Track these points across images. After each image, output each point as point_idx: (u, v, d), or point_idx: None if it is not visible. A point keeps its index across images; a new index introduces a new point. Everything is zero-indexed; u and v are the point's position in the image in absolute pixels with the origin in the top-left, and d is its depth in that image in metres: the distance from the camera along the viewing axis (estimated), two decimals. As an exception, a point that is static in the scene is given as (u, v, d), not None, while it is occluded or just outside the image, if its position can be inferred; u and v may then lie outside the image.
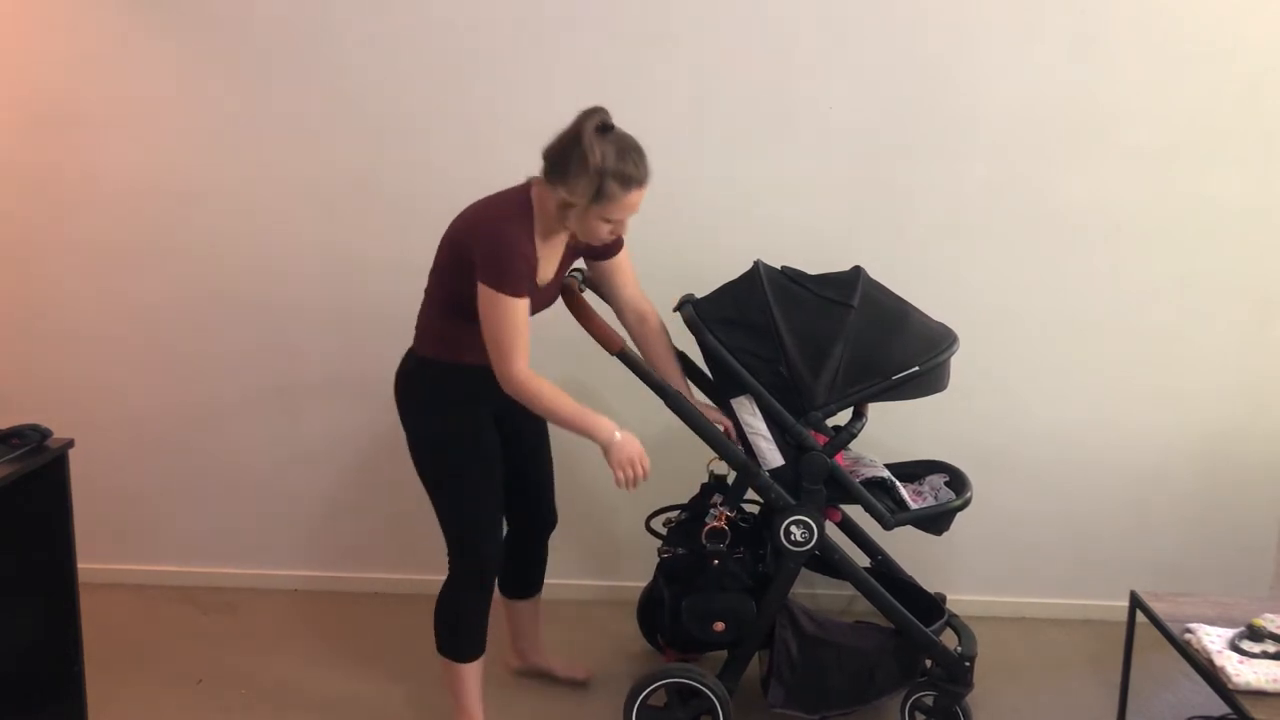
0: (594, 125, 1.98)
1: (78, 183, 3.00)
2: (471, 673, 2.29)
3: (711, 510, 2.36)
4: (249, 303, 3.04)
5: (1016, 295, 2.94)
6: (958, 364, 2.25)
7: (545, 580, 2.59)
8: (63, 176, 2.99)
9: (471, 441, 2.17)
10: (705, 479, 2.52)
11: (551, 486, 2.44)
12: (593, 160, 1.94)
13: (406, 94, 2.90)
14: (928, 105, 2.85)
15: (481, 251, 1.99)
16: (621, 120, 2.86)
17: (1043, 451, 3.03)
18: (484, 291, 1.99)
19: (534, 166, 2.86)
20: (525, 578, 2.48)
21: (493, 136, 2.90)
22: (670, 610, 2.37)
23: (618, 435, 2.08)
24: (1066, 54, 2.81)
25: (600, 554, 3.16)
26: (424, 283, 2.26)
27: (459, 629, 2.26)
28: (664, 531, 2.49)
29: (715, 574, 2.28)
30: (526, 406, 2.06)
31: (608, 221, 2.03)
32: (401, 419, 2.23)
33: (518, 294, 1.98)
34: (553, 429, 2.35)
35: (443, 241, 2.15)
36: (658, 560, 2.46)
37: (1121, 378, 2.98)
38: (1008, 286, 2.94)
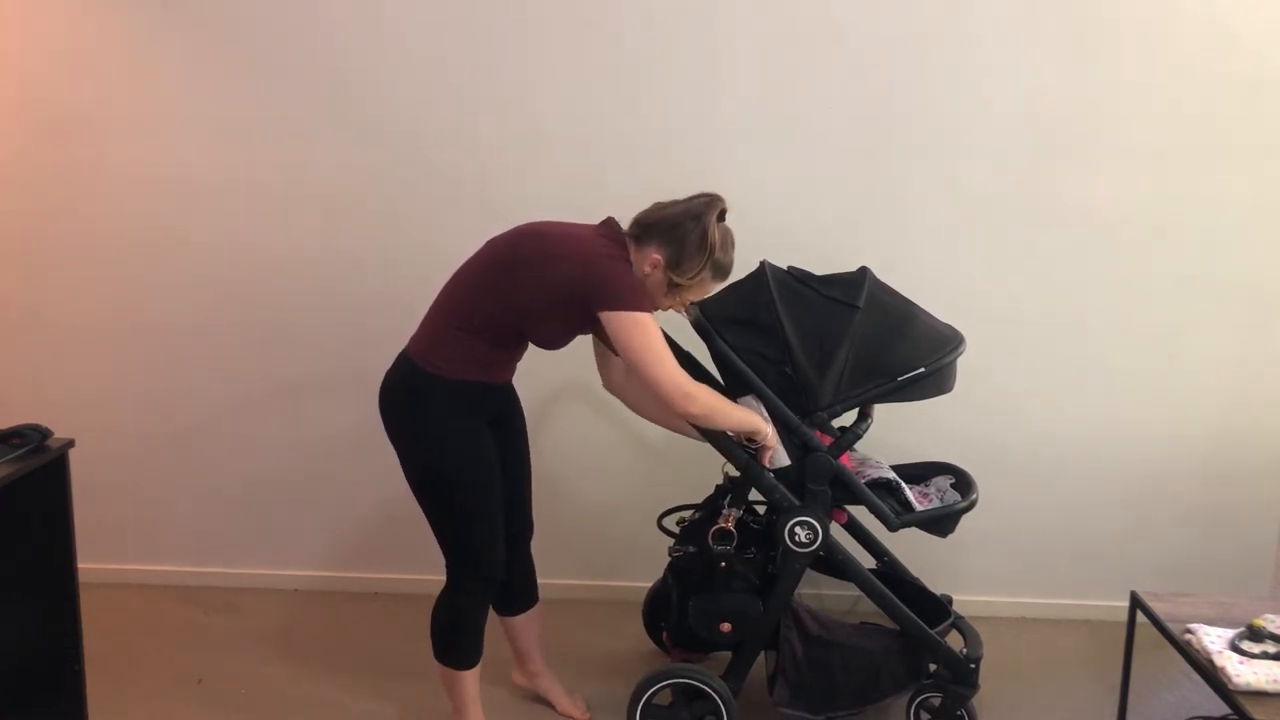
0: (717, 212, 2.10)
1: (77, 182, 2.99)
2: (470, 679, 2.28)
3: (722, 511, 2.36)
4: (249, 303, 3.04)
5: (1017, 295, 2.95)
6: (958, 365, 2.25)
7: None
8: (62, 176, 2.98)
9: (477, 454, 2.16)
10: (718, 479, 2.51)
11: (530, 494, 2.42)
12: (709, 244, 2.07)
13: (407, 93, 2.90)
14: (930, 106, 2.85)
15: (604, 283, 2.02)
16: (622, 121, 2.89)
17: (1043, 451, 3.04)
18: (621, 318, 2.01)
19: (532, 166, 2.90)
20: (516, 589, 2.45)
21: (493, 136, 2.90)
22: (677, 609, 2.38)
23: (770, 430, 2.19)
24: (1068, 55, 2.82)
25: (603, 555, 3.16)
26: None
27: (458, 637, 2.25)
28: (675, 530, 2.48)
29: (723, 575, 2.28)
30: (700, 423, 2.14)
31: (683, 299, 2.17)
32: (395, 432, 2.18)
33: (650, 309, 2.05)
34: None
35: (510, 268, 2.09)
36: (668, 559, 2.45)
37: (1122, 378, 2.99)
38: (1008, 287, 2.95)
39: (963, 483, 2.39)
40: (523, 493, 2.39)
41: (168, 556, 3.20)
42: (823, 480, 2.21)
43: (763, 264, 2.28)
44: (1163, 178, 2.87)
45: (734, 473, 2.36)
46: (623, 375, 2.33)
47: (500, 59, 2.87)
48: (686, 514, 2.54)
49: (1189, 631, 2.13)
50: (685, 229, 2.08)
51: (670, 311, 2.25)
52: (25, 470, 2.07)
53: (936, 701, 2.35)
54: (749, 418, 2.17)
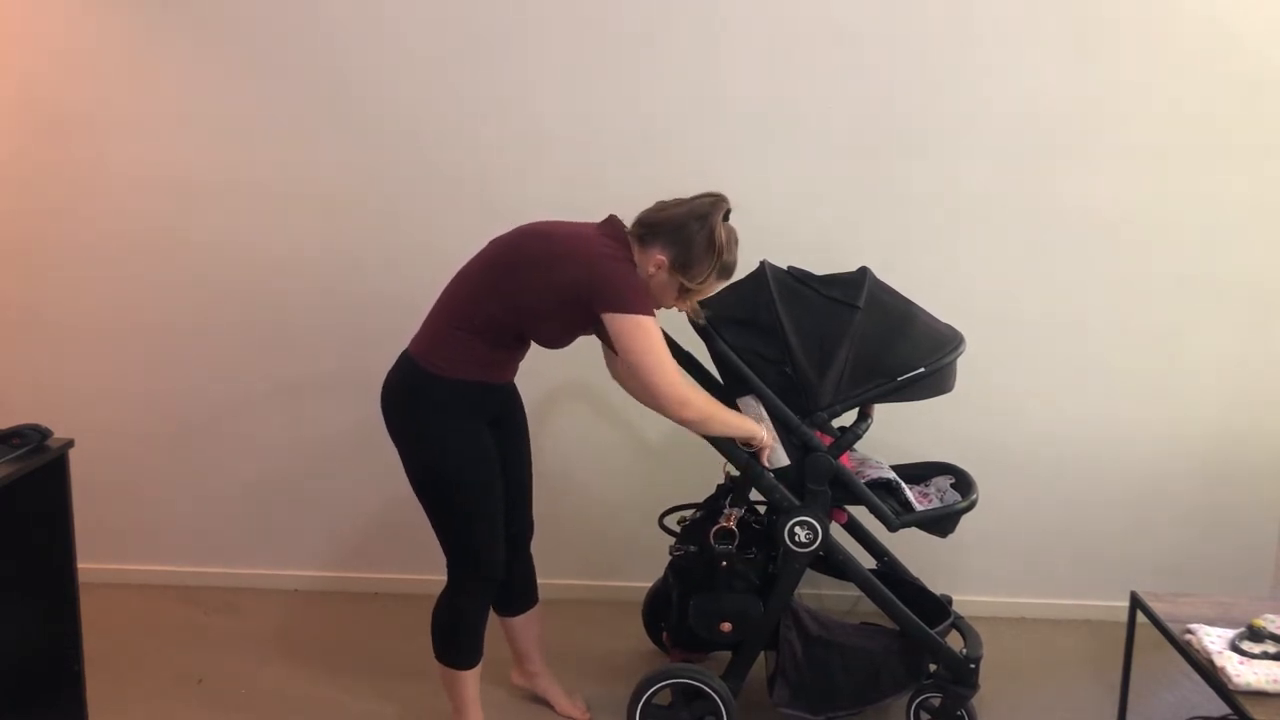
0: (722, 212, 2.10)
1: (77, 182, 2.99)
2: (470, 679, 2.28)
3: (724, 511, 2.36)
4: (249, 303, 3.04)
5: (1017, 295, 2.95)
6: (958, 365, 2.25)
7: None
8: (63, 176, 2.98)
9: (477, 454, 2.16)
10: (719, 478, 2.51)
11: (530, 495, 2.42)
12: (717, 246, 2.07)
13: (407, 93, 2.90)
14: (930, 106, 2.85)
15: (606, 284, 2.02)
16: (622, 121, 2.89)
17: (1043, 451, 3.04)
18: (623, 320, 2.01)
19: (532, 166, 2.90)
20: (516, 589, 2.45)
21: (493, 136, 2.90)
22: (677, 609, 2.38)
23: (765, 434, 2.20)
24: (1068, 55, 2.81)
25: (603, 555, 3.16)
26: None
27: (458, 637, 2.25)
28: (676, 530, 2.48)
29: (724, 575, 2.28)
30: (695, 428, 2.15)
31: (691, 303, 2.17)
32: (396, 432, 2.18)
33: (652, 311, 2.05)
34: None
35: (513, 268, 2.09)
36: (668, 559, 2.45)
37: (1122, 378, 2.99)
38: (1009, 287, 2.95)
39: (963, 483, 2.39)
40: (523, 493, 2.39)
41: (168, 556, 3.20)
42: (823, 480, 2.21)
43: (763, 264, 2.28)
44: (1163, 178, 2.87)
45: (735, 472, 2.36)
46: (627, 369, 2.34)
47: (500, 59, 2.87)
48: (687, 513, 2.54)
49: (1189, 631, 2.13)
50: (691, 230, 2.07)
51: (672, 310, 2.25)
52: (25, 470, 2.07)
53: (936, 701, 2.35)
54: (743, 424, 2.18)
